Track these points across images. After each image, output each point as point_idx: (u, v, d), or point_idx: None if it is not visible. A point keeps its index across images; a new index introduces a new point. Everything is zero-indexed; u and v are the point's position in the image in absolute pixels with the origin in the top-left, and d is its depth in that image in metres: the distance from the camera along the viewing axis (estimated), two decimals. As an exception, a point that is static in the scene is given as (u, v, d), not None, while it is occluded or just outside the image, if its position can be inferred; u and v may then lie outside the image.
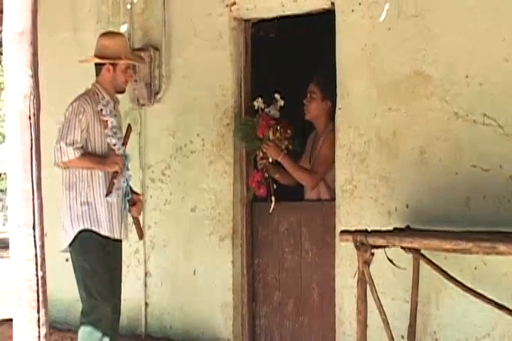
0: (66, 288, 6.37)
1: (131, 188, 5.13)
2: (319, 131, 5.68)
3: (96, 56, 5.04)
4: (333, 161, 5.28)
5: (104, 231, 4.92)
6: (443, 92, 4.77)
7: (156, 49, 5.94)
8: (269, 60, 6.31)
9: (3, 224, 28.75)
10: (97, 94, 5.01)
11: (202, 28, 5.78)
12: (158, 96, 5.97)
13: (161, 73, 5.95)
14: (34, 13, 2.81)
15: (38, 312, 2.77)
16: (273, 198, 5.54)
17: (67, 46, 6.54)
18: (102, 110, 4.97)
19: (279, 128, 5.46)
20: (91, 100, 4.96)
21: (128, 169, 5.08)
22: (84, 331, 4.88)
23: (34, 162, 2.80)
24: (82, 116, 4.88)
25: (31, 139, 2.80)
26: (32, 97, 2.80)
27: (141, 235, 5.22)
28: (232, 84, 5.67)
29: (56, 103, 6.43)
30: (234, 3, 5.64)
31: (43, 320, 2.77)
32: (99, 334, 4.83)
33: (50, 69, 6.25)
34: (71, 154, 4.80)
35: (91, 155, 4.91)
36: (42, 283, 2.79)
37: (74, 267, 4.96)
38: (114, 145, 4.99)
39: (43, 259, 2.81)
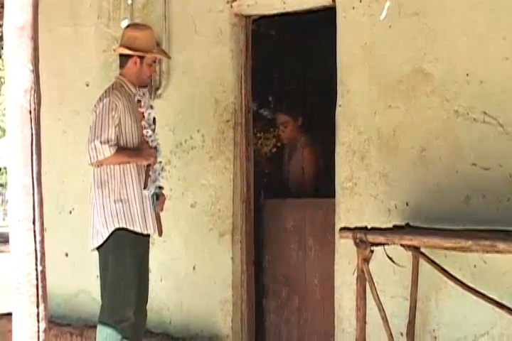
0: (65, 283, 6.39)
1: None
2: (292, 145, 6.25)
3: (125, 47, 4.88)
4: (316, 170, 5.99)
5: (138, 228, 4.83)
6: (443, 90, 4.77)
7: (157, 45, 5.92)
8: (269, 57, 6.32)
9: (3, 219, 28.80)
10: (124, 87, 4.88)
11: (202, 24, 5.78)
12: (159, 92, 5.96)
13: (161, 69, 5.94)
14: (35, 7, 2.80)
15: (38, 306, 2.76)
16: (262, 192, 5.99)
17: (68, 41, 6.53)
18: (140, 101, 4.89)
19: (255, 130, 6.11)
20: (121, 95, 4.82)
21: (161, 162, 5.05)
22: (105, 332, 4.74)
23: (34, 157, 2.79)
24: (114, 112, 4.75)
25: (31, 134, 2.79)
26: (32, 92, 2.79)
27: (161, 231, 5.05)
28: (232, 81, 5.67)
29: (57, 98, 6.45)
30: (235, 0, 5.64)
31: (42, 314, 2.77)
32: (119, 336, 4.70)
33: (50, 64, 6.24)
34: (107, 152, 4.69)
35: (125, 150, 4.80)
36: (41, 277, 2.78)
37: (103, 266, 4.82)
38: (150, 136, 4.92)
39: (43, 254, 2.80)
